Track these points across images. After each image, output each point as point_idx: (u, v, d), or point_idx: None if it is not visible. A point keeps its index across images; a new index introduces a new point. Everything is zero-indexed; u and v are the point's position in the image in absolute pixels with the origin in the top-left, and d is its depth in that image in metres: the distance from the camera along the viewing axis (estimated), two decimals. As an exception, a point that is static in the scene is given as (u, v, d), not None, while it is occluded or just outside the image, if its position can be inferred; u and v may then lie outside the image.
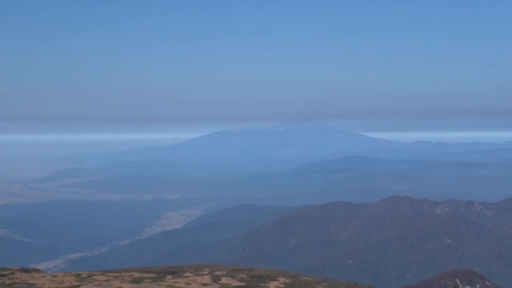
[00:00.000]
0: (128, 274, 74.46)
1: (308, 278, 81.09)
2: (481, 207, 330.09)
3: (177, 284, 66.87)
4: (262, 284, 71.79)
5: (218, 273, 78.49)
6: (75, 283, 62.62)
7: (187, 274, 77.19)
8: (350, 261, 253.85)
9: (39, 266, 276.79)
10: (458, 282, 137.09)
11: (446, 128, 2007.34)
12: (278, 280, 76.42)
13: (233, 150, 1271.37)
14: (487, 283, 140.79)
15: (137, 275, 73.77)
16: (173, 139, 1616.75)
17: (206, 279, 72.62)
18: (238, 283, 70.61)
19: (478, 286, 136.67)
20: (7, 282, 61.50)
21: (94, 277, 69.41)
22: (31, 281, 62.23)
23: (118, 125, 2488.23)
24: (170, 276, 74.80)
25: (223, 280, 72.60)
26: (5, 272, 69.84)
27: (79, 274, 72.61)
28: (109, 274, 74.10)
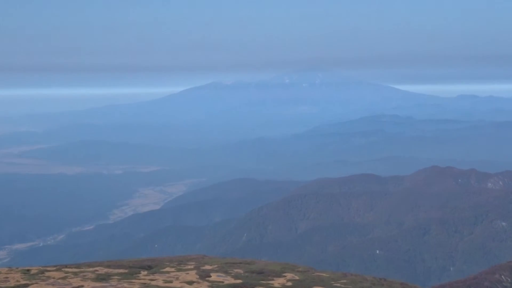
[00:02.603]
0: (91, 269, 74.52)
1: (323, 274, 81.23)
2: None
3: (154, 282, 66.93)
4: (263, 282, 71.83)
5: (207, 267, 78.61)
6: (22, 282, 62.57)
7: (167, 269, 77.30)
8: (378, 251, 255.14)
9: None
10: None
11: (498, 79, 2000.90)
12: (285, 276, 76.57)
13: (226, 108, 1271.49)
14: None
15: (102, 270, 73.85)
16: (149, 94, 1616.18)
17: (192, 275, 72.71)
18: (232, 281, 70.66)
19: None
20: None
21: (47, 274, 69.43)
22: (-35, 280, 62.19)
23: (76, 77, 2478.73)
24: (145, 272, 74.89)
25: (214, 276, 72.66)
26: None
27: (28, 270, 72.59)
28: (67, 269, 74.15)
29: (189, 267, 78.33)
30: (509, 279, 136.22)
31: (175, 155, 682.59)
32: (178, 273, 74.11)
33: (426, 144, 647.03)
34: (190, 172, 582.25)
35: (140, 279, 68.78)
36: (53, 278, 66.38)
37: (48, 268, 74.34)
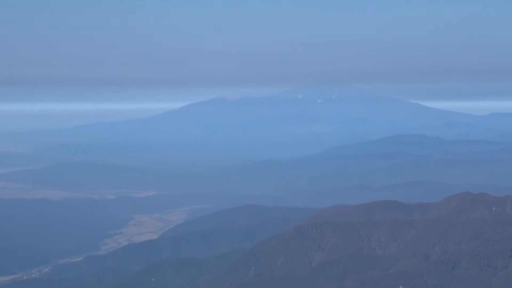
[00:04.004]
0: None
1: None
2: None
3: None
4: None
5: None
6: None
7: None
8: (401, 287, 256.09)
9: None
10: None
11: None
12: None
13: (230, 127, 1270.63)
14: None
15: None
16: (145, 110, 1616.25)
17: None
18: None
19: None
20: None
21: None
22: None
23: (61, 90, 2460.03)
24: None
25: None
26: None
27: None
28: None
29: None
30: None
31: (174, 178, 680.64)
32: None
33: (456, 168, 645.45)
34: (191, 198, 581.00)
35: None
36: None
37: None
